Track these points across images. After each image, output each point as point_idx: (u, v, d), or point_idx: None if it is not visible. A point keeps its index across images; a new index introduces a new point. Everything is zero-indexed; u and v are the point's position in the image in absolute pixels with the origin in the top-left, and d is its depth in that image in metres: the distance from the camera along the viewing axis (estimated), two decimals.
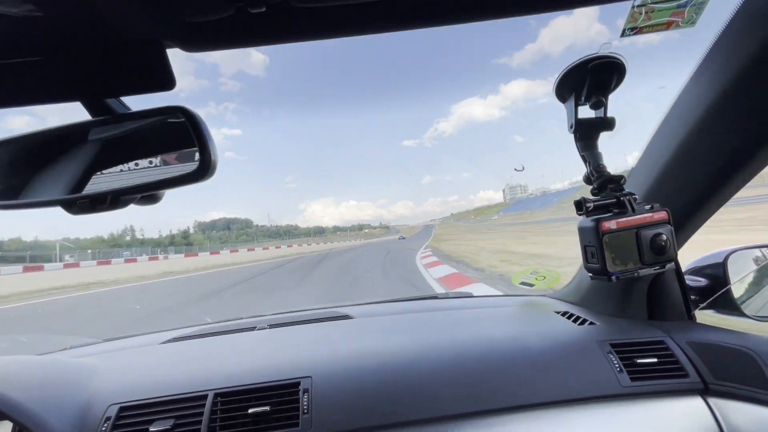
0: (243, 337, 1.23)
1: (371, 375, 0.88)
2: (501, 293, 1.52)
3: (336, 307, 1.45)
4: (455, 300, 1.50)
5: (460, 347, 0.96)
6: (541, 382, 0.84)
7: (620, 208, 0.68)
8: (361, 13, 0.42)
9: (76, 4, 0.36)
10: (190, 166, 0.51)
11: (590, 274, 0.71)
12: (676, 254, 0.69)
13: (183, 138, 0.52)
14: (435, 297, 1.54)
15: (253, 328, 1.29)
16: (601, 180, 0.70)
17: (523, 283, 1.40)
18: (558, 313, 1.14)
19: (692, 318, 1.02)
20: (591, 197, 0.70)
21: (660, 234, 0.65)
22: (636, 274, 0.66)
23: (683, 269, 1.04)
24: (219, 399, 0.84)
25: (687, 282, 1.02)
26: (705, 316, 1.03)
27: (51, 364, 0.94)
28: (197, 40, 0.44)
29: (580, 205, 0.68)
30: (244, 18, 0.39)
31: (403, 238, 71.80)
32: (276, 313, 1.54)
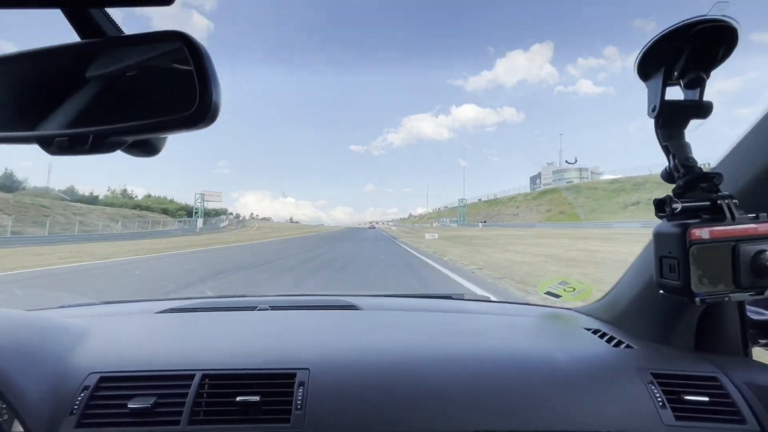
0: (242, 316, 1.16)
1: (376, 374, 0.79)
2: (522, 301, 1.39)
3: (343, 295, 1.36)
4: (472, 303, 1.39)
5: (478, 355, 0.86)
6: (572, 408, 0.73)
7: (715, 213, 0.54)
8: None
9: None
10: (187, 109, 0.42)
11: (662, 292, 0.58)
12: None
13: (191, 87, 0.43)
14: (449, 297, 1.43)
15: (253, 308, 1.21)
16: (689, 177, 0.56)
17: (549, 293, 1.27)
18: (588, 330, 1.02)
19: (748, 355, 0.89)
20: (676, 197, 0.56)
21: (765, 251, 0.51)
22: (726, 299, 0.53)
23: None
24: (207, 381, 0.76)
25: (747, 313, 0.89)
26: (763, 354, 0.90)
27: (36, 321, 0.88)
28: None
29: (661, 205, 0.55)
30: None
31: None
32: (281, 295, 1.47)
